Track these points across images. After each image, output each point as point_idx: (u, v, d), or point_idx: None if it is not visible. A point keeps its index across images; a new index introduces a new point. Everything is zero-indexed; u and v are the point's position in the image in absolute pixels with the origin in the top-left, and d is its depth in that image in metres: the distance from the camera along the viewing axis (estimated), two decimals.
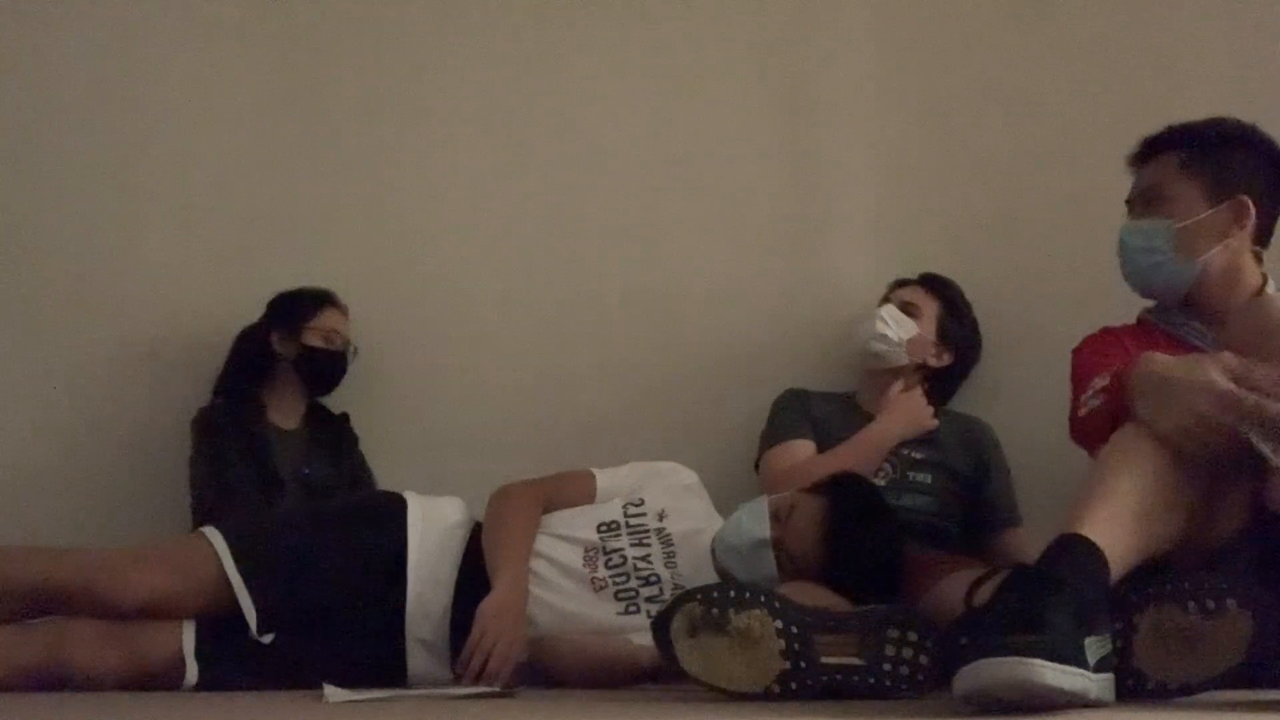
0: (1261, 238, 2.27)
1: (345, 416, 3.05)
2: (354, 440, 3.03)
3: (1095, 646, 1.54)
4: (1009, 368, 3.02)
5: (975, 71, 3.20)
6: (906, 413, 2.86)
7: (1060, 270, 2.98)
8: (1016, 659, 1.46)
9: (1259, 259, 2.27)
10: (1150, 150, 2.30)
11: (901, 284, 3.02)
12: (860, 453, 2.80)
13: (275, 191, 3.14)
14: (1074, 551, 1.63)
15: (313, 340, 2.97)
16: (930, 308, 2.96)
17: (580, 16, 3.25)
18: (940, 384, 2.99)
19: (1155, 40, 3.06)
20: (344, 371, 3.01)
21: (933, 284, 2.99)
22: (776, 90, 3.28)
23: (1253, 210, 2.22)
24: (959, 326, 2.98)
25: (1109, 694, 1.57)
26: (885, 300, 2.99)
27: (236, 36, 3.17)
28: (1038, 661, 1.45)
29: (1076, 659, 1.48)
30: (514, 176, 3.21)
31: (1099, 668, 1.54)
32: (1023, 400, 2.93)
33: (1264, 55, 3.01)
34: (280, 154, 3.15)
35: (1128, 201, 2.33)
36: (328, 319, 2.99)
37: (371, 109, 3.19)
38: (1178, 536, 1.77)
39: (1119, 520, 1.69)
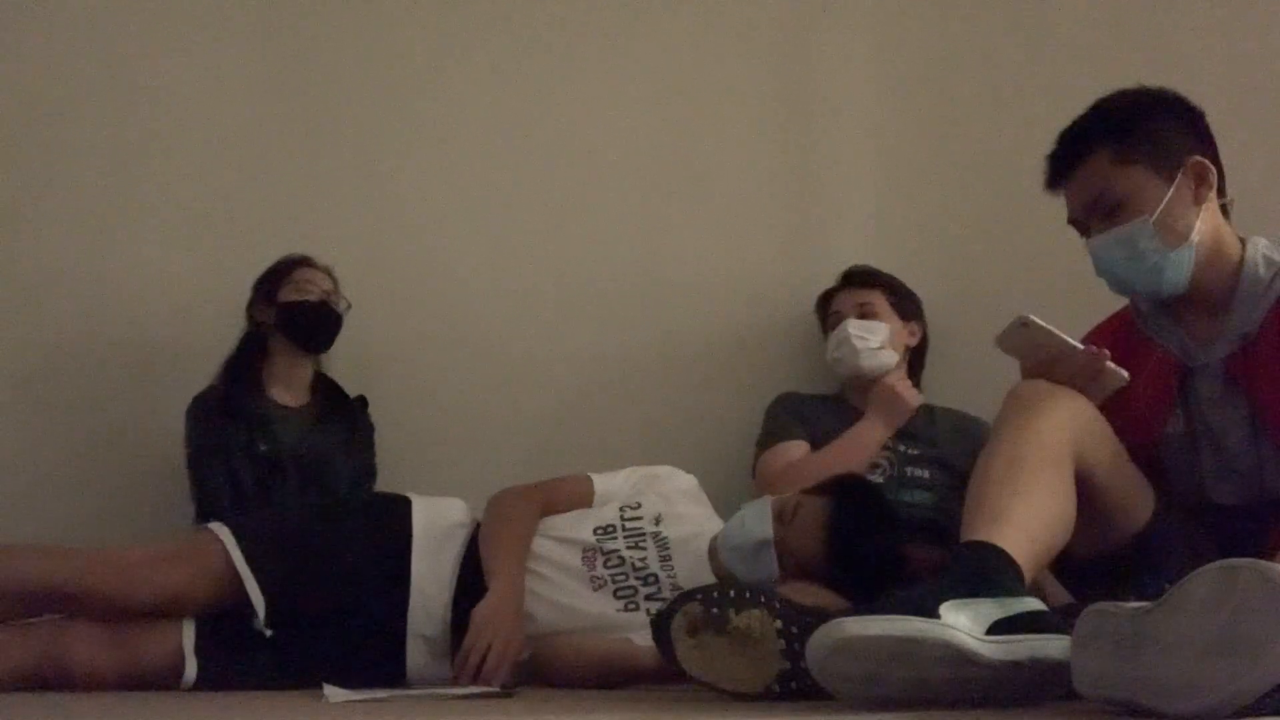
0: (1220, 189, 2.07)
1: (363, 401, 2.97)
2: (370, 429, 2.96)
3: (979, 607, 1.55)
4: (1007, 367, 3.02)
5: (975, 71, 3.21)
6: (888, 405, 2.88)
7: (1060, 270, 2.97)
8: (823, 625, 1.53)
9: (1228, 212, 2.09)
10: (1071, 163, 2.07)
11: (830, 296, 3.04)
12: (851, 451, 2.81)
13: (275, 187, 3.13)
14: (964, 551, 1.68)
15: (287, 296, 2.88)
16: (879, 299, 2.99)
17: (583, 10, 3.25)
18: (920, 354, 3.04)
19: (1155, 41, 3.06)
20: (332, 321, 2.90)
21: (864, 279, 3.02)
22: (777, 89, 3.29)
23: (1210, 166, 2.03)
24: (905, 299, 3.03)
25: (1031, 650, 1.56)
26: (831, 317, 3.00)
27: (234, 30, 3.16)
28: (841, 619, 1.52)
29: (900, 609, 1.51)
30: (515, 175, 3.20)
31: (1003, 629, 1.54)
32: None
33: (1264, 56, 3.01)
34: (280, 148, 3.14)
35: (1074, 222, 2.11)
36: (299, 274, 2.89)
37: (372, 106, 3.19)
38: (1070, 522, 1.82)
39: (1010, 521, 1.71)
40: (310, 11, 3.20)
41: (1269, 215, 2.77)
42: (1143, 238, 2.00)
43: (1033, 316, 1.99)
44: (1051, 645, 1.57)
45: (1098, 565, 1.97)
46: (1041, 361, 2.02)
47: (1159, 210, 2.00)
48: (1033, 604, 1.61)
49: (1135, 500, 2.01)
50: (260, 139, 3.14)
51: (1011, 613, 1.57)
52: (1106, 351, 2.00)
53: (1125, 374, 2.00)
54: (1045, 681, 1.57)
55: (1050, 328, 1.98)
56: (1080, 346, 1.99)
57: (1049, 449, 1.83)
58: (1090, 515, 1.89)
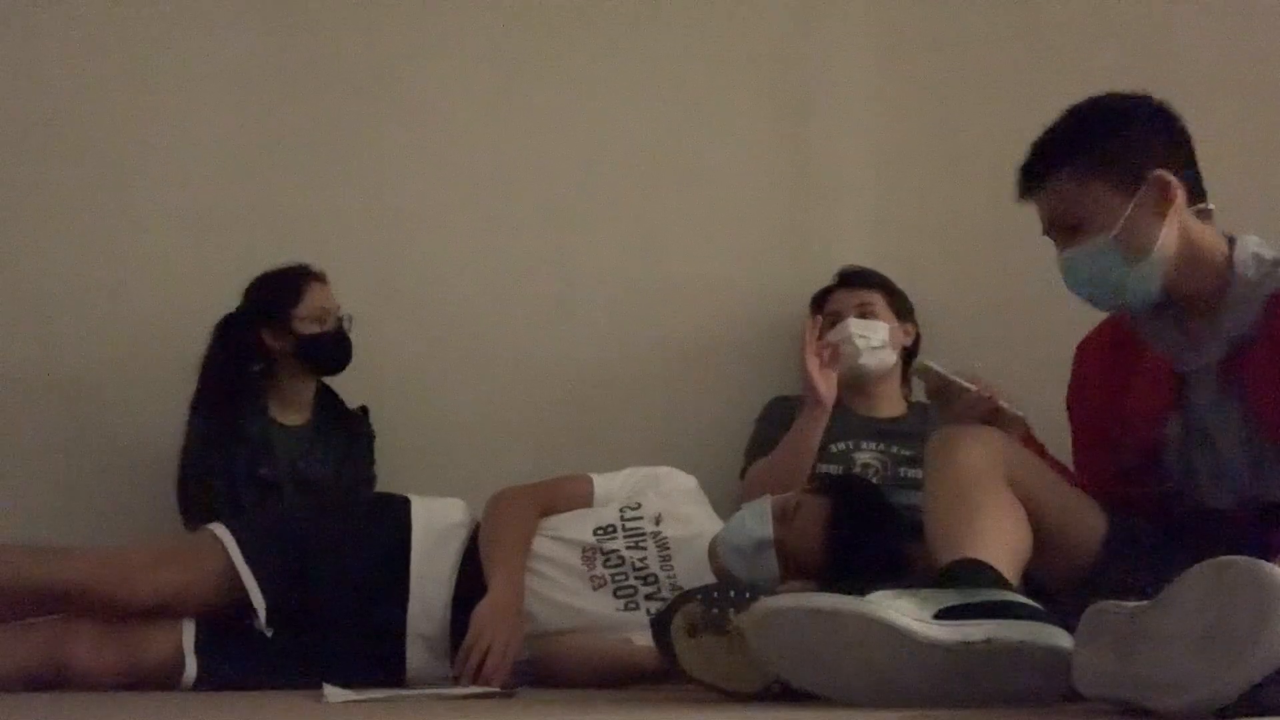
0: (1195, 196, 2.02)
1: (364, 411, 2.97)
2: (370, 438, 2.96)
3: (935, 596, 1.59)
4: (1007, 367, 3.01)
5: (974, 71, 3.21)
6: (814, 400, 2.77)
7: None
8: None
9: (1208, 216, 2.03)
10: (1036, 178, 2.03)
11: (825, 296, 3.02)
12: (791, 455, 2.76)
13: (275, 190, 3.13)
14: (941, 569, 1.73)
15: (306, 328, 2.86)
16: (878, 299, 2.99)
17: (582, 12, 3.25)
18: (913, 354, 3.03)
19: (1156, 41, 3.06)
20: (348, 346, 2.90)
21: (862, 279, 3.01)
22: (776, 89, 3.29)
23: (1173, 180, 1.97)
24: (900, 299, 3.03)
25: (988, 631, 1.57)
26: (828, 317, 2.97)
27: (234, 30, 3.16)
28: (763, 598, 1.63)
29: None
30: (514, 175, 3.21)
31: (967, 615, 1.57)
32: (1022, 400, 2.93)
33: (1264, 56, 3.01)
34: (280, 152, 3.14)
35: (1047, 233, 2.07)
36: (313, 298, 2.88)
37: (372, 109, 3.19)
38: (1028, 529, 1.90)
39: (974, 536, 1.79)
40: (311, 12, 3.20)
41: (1266, 215, 2.78)
42: (1104, 255, 1.98)
43: (932, 364, 2.20)
44: (1015, 628, 1.56)
45: (1067, 595, 1.96)
46: (945, 397, 2.17)
47: (1118, 226, 1.97)
48: (1008, 595, 1.61)
49: (1081, 516, 2.03)
50: (260, 141, 3.14)
51: (975, 600, 1.58)
52: (996, 393, 2.11)
53: (1020, 414, 2.12)
54: (1015, 666, 1.56)
55: (945, 373, 2.16)
56: (973, 388, 2.12)
57: (981, 473, 1.91)
58: (1040, 536, 1.92)
